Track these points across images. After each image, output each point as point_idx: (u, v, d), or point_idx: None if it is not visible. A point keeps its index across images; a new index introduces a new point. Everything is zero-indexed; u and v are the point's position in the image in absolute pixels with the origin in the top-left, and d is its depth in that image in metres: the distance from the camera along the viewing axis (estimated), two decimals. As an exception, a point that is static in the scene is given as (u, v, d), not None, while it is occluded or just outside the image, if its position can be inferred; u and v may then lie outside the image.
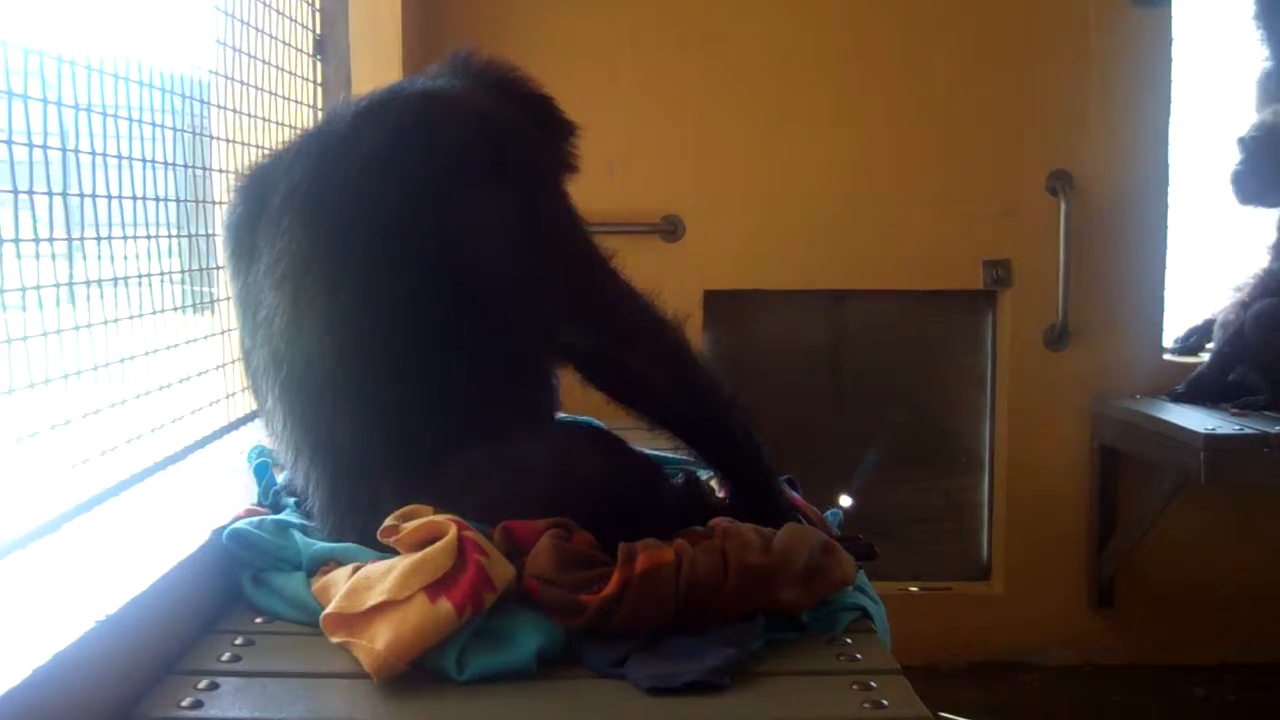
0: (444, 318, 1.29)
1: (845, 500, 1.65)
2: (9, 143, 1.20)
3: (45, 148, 1.29)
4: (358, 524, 1.28)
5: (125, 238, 1.51)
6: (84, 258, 1.41)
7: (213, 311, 1.85)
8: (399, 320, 1.28)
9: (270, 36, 2.06)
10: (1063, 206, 2.98)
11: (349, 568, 1.20)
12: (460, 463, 1.26)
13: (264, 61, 2.02)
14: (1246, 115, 2.86)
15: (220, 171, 1.86)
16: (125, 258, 1.51)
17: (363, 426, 1.29)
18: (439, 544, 1.12)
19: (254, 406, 1.94)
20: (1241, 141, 2.77)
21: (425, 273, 1.28)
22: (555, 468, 1.28)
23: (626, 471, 1.31)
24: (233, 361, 1.88)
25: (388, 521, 1.19)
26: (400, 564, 1.12)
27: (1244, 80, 2.90)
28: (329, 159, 1.33)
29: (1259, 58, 2.81)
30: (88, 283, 1.40)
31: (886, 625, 1.31)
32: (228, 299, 1.86)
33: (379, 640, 1.06)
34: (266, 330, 1.33)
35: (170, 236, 1.68)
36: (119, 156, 1.48)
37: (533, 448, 1.29)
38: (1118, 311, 3.06)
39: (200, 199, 1.79)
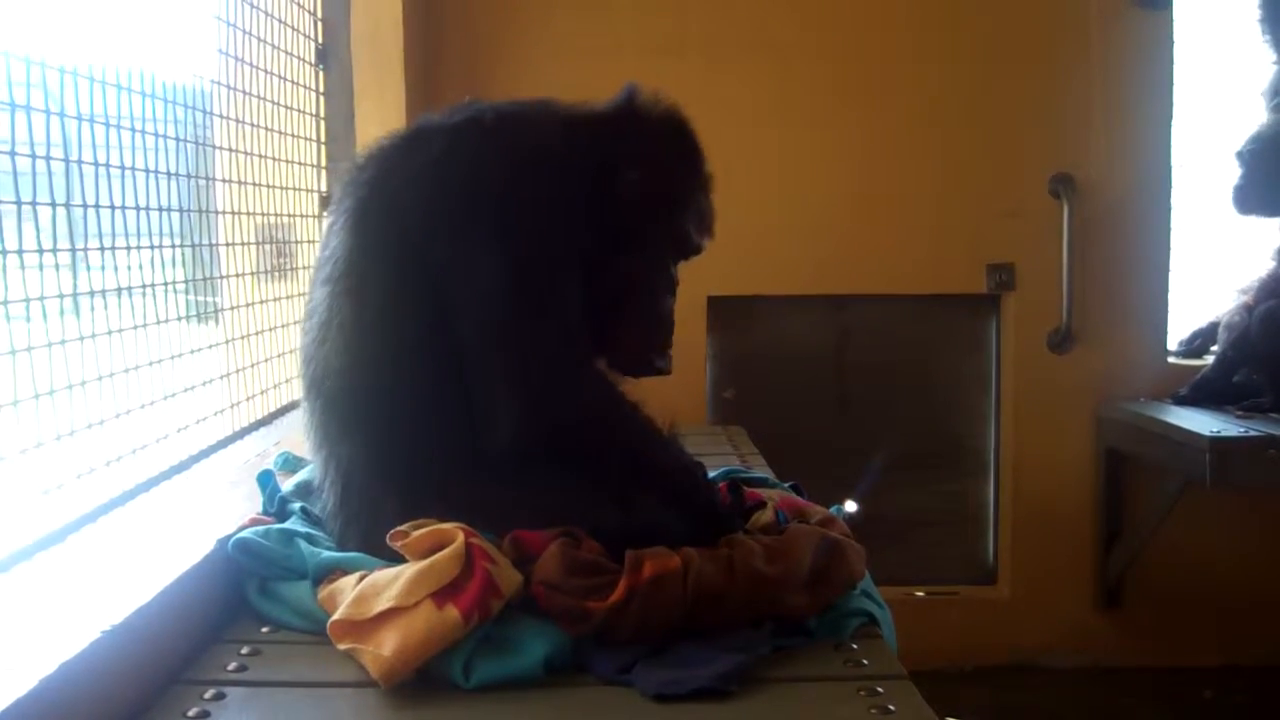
0: (448, 353, 1.27)
1: (850, 505, 1.64)
2: (12, 154, 1.21)
3: (49, 159, 1.29)
4: (360, 533, 1.30)
5: (129, 248, 1.51)
6: (87, 268, 1.41)
7: (216, 321, 1.85)
8: (409, 350, 1.27)
9: (272, 46, 2.06)
10: (1065, 210, 2.98)
11: (355, 575, 1.20)
12: (463, 500, 1.24)
13: (266, 71, 2.02)
14: (1252, 120, 2.84)
15: (223, 181, 1.86)
16: (129, 268, 1.51)
17: (370, 446, 1.30)
18: (446, 551, 1.13)
19: (257, 416, 1.95)
20: (1240, 156, 2.76)
21: (433, 305, 1.27)
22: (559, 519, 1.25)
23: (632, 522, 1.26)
24: (237, 371, 1.88)
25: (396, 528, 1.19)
26: (407, 571, 1.12)
27: (1246, 82, 2.89)
28: (384, 170, 1.34)
29: (1266, 61, 2.80)
30: (91, 293, 1.40)
31: (893, 630, 1.31)
32: (232, 308, 1.87)
33: (386, 647, 1.06)
34: (307, 323, 1.37)
35: (174, 246, 1.68)
36: (122, 167, 1.48)
37: (537, 497, 1.27)
38: (1122, 314, 3.06)
39: (203, 209, 1.79)
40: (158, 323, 1.58)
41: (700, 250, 1.48)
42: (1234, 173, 2.78)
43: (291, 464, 1.65)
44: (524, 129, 1.37)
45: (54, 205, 1.31)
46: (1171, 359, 3.08)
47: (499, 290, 1.26)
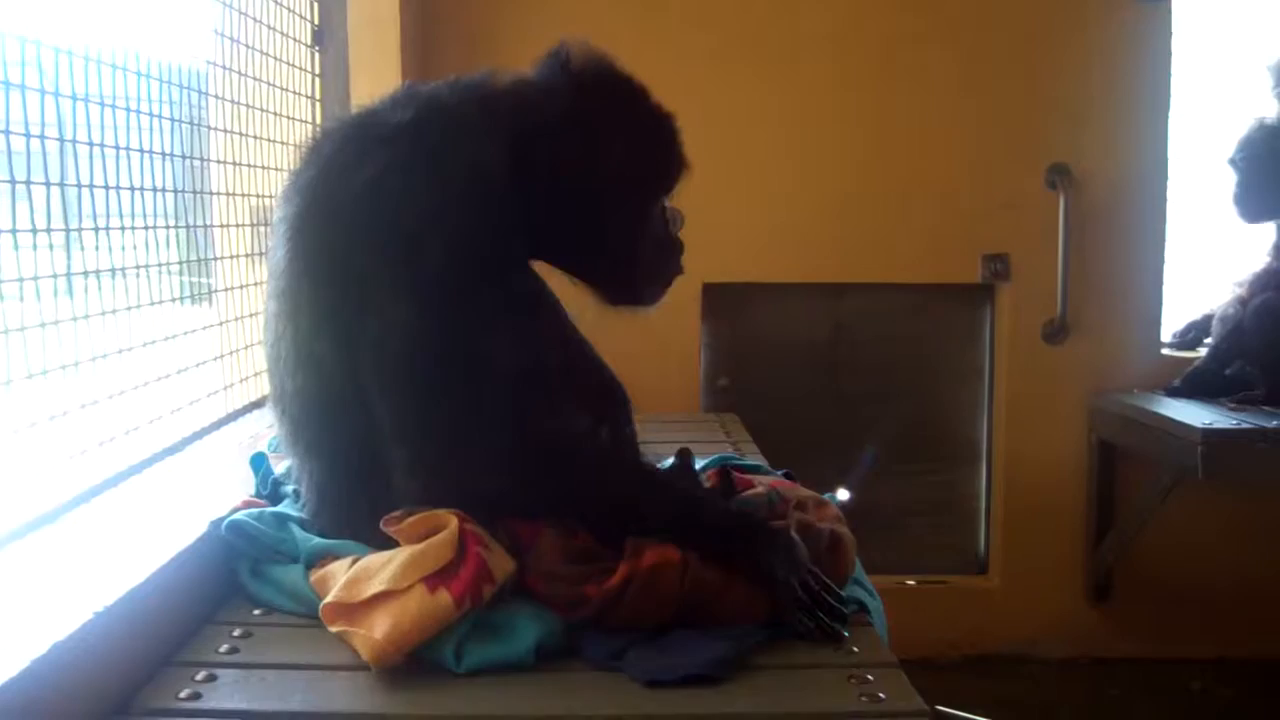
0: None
1: (843, 494, 1.65)
2: (6, 133, 1.20)
3: (43, 138, 1.28)
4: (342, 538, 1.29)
5: (123, 228, 1.51)
6: (82, 249, 1.41)
7: (210, 303, 1.85)
8: (348, 382, 1.22)
9: (268, 27, 2.05)
10: (1062, 201, 2.98)
11: (348, 559, 1.20)
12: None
13: (262, 52, 2.01)
14: (1241, 123, 2.82)
15: (218, 163, 1.85)
16: (123, 249, 1.50)
17: (334, 469, 1.28)
18: (440, 536, 1.13)
19: (251, 398, 1.95)
20: (1232, 163, 2.76)
21: (363, 340, 1.21)
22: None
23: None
24: (231, 353, 1.88)
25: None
26: (400, 555, 1.12)
27: (1244, 74, 2.88)
28: (323, 175, 1.27)
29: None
30: (85, 274, 1.40)
31: (884, 619, 1.31)
32: (226, 290, 1.87)
33: (377, 630, 1.07)
34: (265, 334, 1.34)
35: (168, 227, 1.67)
36: (117, 147, 1.47)
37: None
38: (1116, 306, 3.06)
39: (198, 190, 1.79)
40: (151, 304, 1.57)
41: (679, 177, 1.46)
42: (1229, 179, 2.78)
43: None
44: (469, 138, 1.27)
45: (48, 185, 1.30)
46: (1165, 351, 3.09)
47: (430, 336, 1.19)
